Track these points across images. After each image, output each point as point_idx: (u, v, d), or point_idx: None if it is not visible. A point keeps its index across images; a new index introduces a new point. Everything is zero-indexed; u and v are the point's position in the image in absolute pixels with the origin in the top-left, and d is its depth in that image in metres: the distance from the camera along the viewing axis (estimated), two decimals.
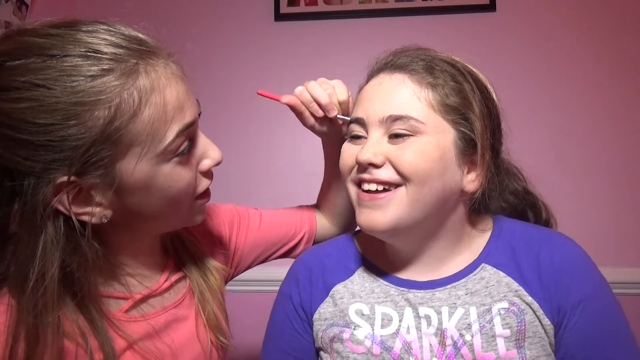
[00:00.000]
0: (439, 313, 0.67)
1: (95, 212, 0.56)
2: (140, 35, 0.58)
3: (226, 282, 0.85)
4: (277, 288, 0.82)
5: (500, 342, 0.64)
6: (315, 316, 0.74)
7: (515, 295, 0.66)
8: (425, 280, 0.70)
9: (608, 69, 1.53)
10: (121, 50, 0.54)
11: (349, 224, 0.94)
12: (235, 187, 1.47)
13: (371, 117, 0.66)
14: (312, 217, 0.93)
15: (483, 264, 0.69)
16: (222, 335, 0.74)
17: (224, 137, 1.57)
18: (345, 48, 1.61)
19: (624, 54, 1.52)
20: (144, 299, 0.67)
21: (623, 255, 1.47)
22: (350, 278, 0.75)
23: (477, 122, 0.65)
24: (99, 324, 0.59)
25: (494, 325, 0.65)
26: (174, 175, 0.59)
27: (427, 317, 0.67)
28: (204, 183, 0.65)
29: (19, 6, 1.37)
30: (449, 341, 0.65)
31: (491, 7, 1.57)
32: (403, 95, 0.65)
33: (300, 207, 0.97)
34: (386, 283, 0.72)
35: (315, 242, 0.93)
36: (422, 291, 0.69)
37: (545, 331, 0.64)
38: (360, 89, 0.73)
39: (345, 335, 0.70)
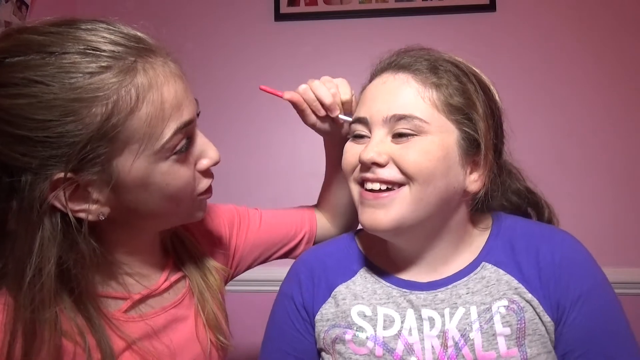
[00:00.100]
0: (442, 316, 0.67)
1: (92, 209, 0.56)
2: (139, 33, 0.58)
3: (226, 282, 0.84)
4: (278, 288, 0.81)
5: (501, 341, 0.64)
6: (317, 317, 0.74)
7: (515, 293, 0.66)
8: (427, 281, 0.70)
9: (608, 69, 1.53)
10: (120, 48, 0.54)
11: (349, 224, 0.93)
12: (235, 187, 1.47)
13: (375, 116, 0.66)
14: (312, 218, 0.93)
15: (483, 263, 0.69)
16: (221, 335, 0.74)
17: (224, 136, 1.57)
18: (345, 48, 1.61)
19: (624, 54, 1.52)
20: (143, 299, 0.67)
21: (623, 255, 1.47)
22: (353, 279, 0.74)
23: (481, 123, 0.65)
24: (97, 322, 0.59)
25: (494, 324, 0.65)
26: (172, 173, 0.59)
27: (431, 320, 0.67)
28: (204, 182, 0.65)
29: (19, 6, 1.37)
30: (450, 342, 0.65)
31: (491, 7, 1.57)
32: (407, 95, 0.65)
33: (301, 207, 0.96)
34: (388, 284, 0.72)
35: (315, 243, 0.92)
36: (424, 292, 0.69)
37: (545, 328, 0.64)
38: (363, 88, 0.73)
39: (348, 337, 0.70)
